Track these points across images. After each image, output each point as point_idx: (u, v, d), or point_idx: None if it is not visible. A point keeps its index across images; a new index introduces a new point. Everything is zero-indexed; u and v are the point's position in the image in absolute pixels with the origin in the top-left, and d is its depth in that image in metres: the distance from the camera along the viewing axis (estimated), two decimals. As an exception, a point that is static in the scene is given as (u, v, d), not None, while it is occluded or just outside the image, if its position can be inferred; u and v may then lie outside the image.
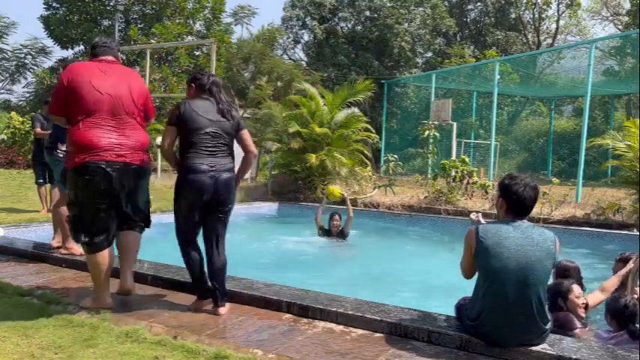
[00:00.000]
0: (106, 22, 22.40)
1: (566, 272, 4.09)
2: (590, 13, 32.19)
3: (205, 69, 19.89)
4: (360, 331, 3.37)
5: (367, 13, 29.30)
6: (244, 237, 8.23)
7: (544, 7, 30.70)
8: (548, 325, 3.01)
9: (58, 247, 5.16)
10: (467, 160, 11.02)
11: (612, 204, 8.51)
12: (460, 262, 3.23)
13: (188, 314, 3.63)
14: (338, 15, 30.19)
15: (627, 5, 28.33)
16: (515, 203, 3.10)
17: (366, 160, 12.44)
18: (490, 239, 3.02)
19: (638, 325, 3.30)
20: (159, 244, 6.70)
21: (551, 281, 3.58)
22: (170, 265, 4.62)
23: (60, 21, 21.81)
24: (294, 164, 11.98)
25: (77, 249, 5.00)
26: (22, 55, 30.79)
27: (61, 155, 4.77)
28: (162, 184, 12.76)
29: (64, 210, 4.49)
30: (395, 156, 12.53)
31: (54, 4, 22.10)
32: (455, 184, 10.09)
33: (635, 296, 3.62)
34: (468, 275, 3.20)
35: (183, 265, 4.22)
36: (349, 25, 30.66)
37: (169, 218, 8.49)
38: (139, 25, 21.64)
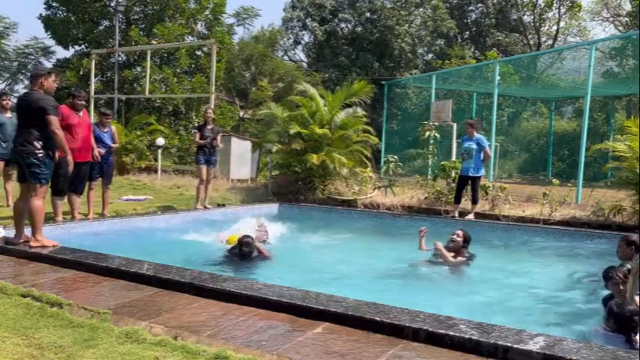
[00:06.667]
0: (106, 23, 22.40)
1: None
2: (591, 14, 32.22)
3: (206, 69, 19.91)
4: (360, 332, 3.37)
5: (368, 14, 29.34)
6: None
7: (545, 8, 30.72)
8: None
9: (26, 241, 5.37)
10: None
11: (613, 205, 8.51)
12: None
13: (188, 314, 3.63)
14: (338, 16, 30.23)
15: (627, 6, 28.35)
16: None
17: (366, 161, 12.43)
18: None
19: (637, 337, 3.34)
20: (158, 244, 6.71)
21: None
22: (170, 266, 4.63)
23: (61, 21, 21.81)
24: (294, 165, 11.98)
25: (48, 241, 5.33)
26: (24, 56, 30.84)
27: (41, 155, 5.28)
28: (161, 185, 12.78)
29: (32, 204, 5.21)
30: (395, 157, 12.49)
31: (54, 4, 22.10)
32: (455, 185, 10.09)
33: (637, 299, 3.64)
34: None
35: (184, 265, 4.21)
36: (350, 27, 30.70)
37: (169, 219, 8.50)
38: (140, 26, 21.63)
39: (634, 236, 5.30)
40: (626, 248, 5.17)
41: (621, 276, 4.07)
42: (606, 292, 4.26)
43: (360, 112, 12.39)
